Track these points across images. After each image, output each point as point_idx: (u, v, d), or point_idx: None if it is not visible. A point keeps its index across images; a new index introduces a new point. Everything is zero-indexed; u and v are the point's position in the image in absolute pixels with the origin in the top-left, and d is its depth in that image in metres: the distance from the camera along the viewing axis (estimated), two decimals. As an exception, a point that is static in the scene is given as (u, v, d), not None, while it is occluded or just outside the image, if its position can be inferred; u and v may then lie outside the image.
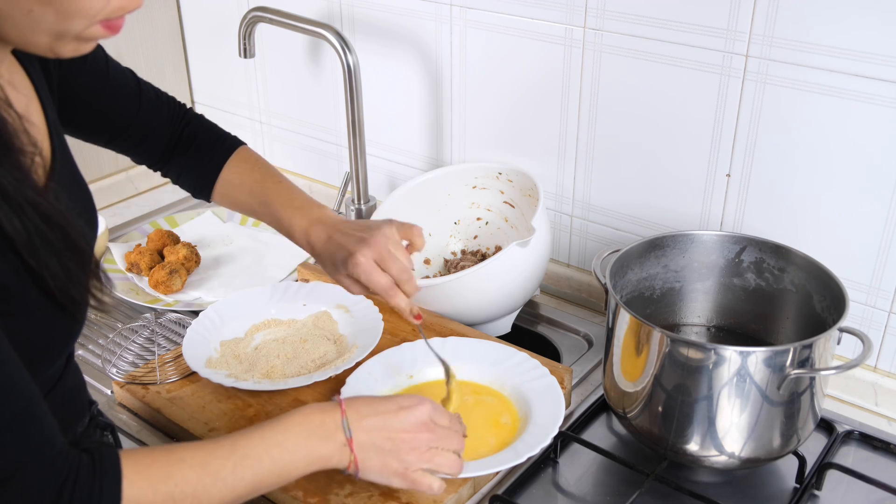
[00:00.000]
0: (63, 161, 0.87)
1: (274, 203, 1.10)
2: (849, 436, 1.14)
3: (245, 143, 1.17)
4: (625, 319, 1.03)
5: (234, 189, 1.14)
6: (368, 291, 1.03)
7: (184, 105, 1.16)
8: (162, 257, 1.52)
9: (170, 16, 1.85)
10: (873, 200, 1.13)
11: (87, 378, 1.24)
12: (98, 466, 0.75)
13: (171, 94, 1.16)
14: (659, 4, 1.20)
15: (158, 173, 1.17)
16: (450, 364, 1.08)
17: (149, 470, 0.77)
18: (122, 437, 1.15)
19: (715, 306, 1.20)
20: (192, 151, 1.14)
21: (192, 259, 1.50)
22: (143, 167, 1.85)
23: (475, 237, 1.50)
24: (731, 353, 0.95)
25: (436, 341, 1.23)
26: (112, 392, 1.24)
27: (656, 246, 1.16)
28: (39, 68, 0.89)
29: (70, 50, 0.75)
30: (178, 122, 1.14)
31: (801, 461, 1.06)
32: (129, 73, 1.09)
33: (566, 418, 1.17)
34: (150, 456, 0.79)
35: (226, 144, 1.15)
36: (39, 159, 0.76)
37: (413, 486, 0.92)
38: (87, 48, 0.76)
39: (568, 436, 1.11)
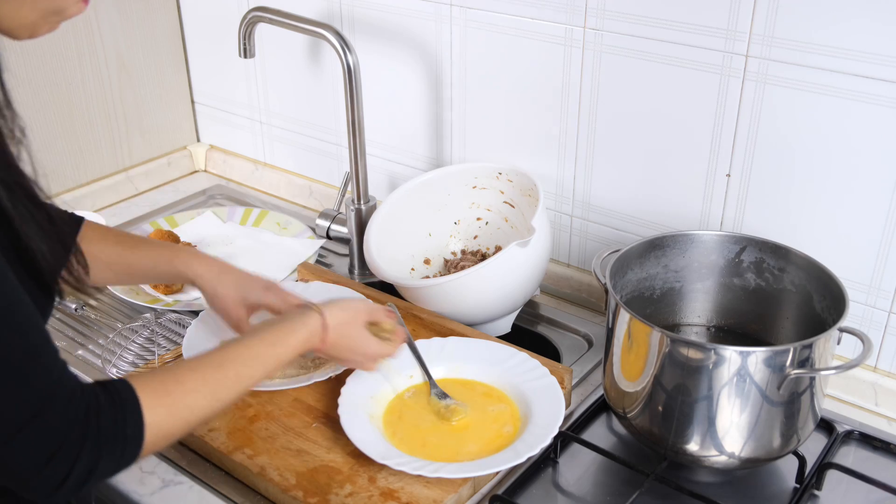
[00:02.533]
0: None
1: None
2: (849, 436, 1.14)
3: (84, 218, 1.12)
4: (625, 319, 1.03)
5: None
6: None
7: None
8: (162, 257, 1.52)
9: (170, 16, 1.85)
10: (873, 200, 1.13)
11: (87, 378, 1.24)
12: (116, 397, 0.78)
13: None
14: (659, 4, 1.20)
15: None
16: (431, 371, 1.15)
17: (166, 398, 0.81)
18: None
19: (715, 306, 1.20)
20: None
21: (192, 259, 1.50)
22: (145, 167, 1.87)
23: (475, 237, 1.50)
24: (731, 353, 0.95)
25: (436, 341, 1.23)
26: (112, 392, 1.24)
27: (656, 246, 1.16)
28: None
29: (47, 29, 0.78)
30: None
31: (801, 461, 1.06)
32: None
33: (566, 418, 1.17)
34: (162, 385, 0.82)
35: (69, 222, 1.10)
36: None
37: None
38: (57, 27, 0.80)
39: (568, 436, 1.11)
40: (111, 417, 0.77)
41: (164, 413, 0.80)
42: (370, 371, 1.12)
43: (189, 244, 1.52)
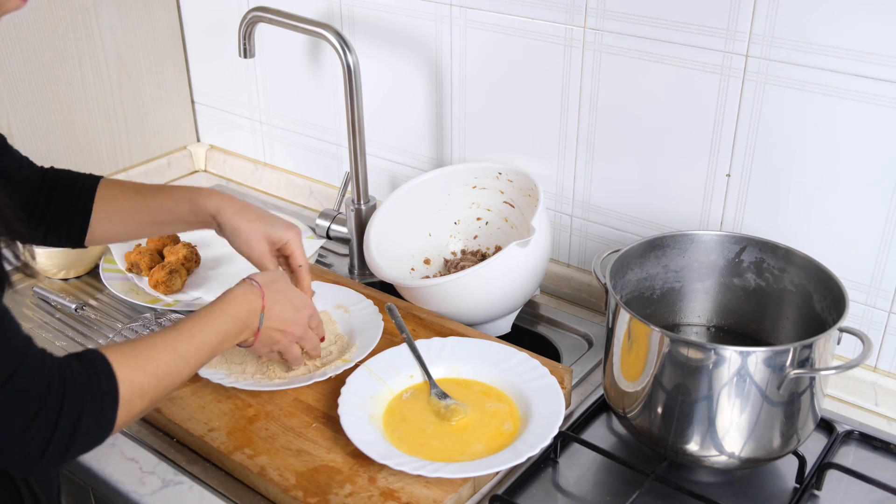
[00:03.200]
0: None
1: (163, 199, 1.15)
2: (849, 436, 1.14)
3: (102, 177, 1.16)
4: (625, 319, 1.03)
5: (115, 216, 1.14)
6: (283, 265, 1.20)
7: (41, 168, 1.15)
8: (162, 257, 1.52)
9: (170, 16, 1.85)
10: (873, 200, 1.13)
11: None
12: (85, 359, 0.82)
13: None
14: (659, 4, 1.20)
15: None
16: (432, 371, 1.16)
17: (131, 353, 0.86)
18: (122, 437, 1.15)
19: (715, 306, 1.20)
20: (54, 207, 1.13)
21: (192, 259, 1.50)
22: (145, 167, 1.87)
23: (475, 237, 1.50)
24: (731, 353, 0.95)
25: (436, 341, 1.23)
26: (112, 392, 1.24)
27: (656, 246, 1.16)
28: None
29: (14, 5, 0.79)
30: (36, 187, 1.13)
31: (801, 461, 1.06)
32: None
33: (566, 418, 1.17)
34: (128, 346, 0.87)
35: (86, 184, 1.14)
36: None
37: (275, 356, 1.14)
38: (24, 3, 0.80)
39: (568, 436, 1.11)
40: (84, 375, 0.80)
41: (132, 367, 0.85)
42: (297, 357, 1.15)
43: (189, 244, 1.52)
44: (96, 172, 1.82)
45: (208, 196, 1.15)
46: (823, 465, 1.06)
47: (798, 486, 1.06)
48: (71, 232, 1.14)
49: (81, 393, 0.79)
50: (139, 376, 0.85)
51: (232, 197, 1.17)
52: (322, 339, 1.20)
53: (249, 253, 1.16)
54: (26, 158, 1.14)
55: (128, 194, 1.15)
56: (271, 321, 1.07)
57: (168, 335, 0.92)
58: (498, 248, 1.48)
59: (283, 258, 1.20)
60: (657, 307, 1.20)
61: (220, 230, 1.17)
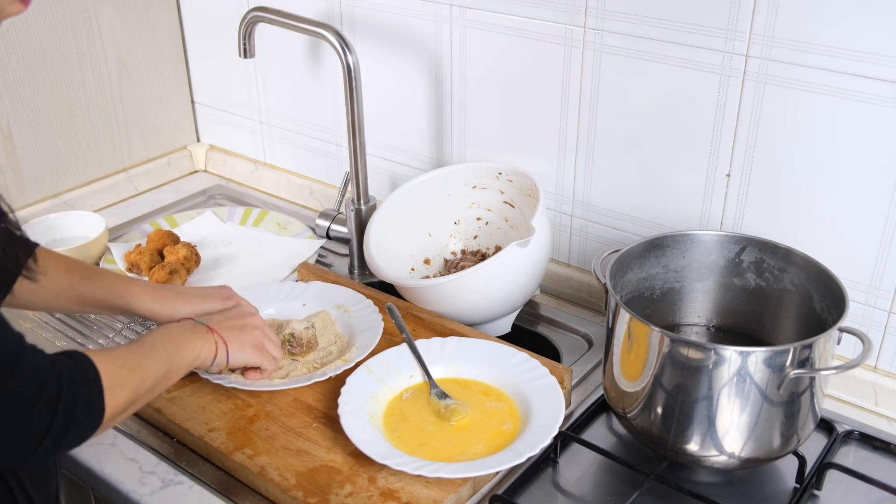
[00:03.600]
0: None
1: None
2: (849, 436, 1.14)
3: (38, 244, 1.10)
4: (625, 319, 1.03)
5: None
6: None
7: None
8: (162, 257, 1.52)
9: (170, 16, 1.85)
10: (873, 200, 1.13)
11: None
12: (67, 353, 0.87)
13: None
14: (659, 4, 1.20)
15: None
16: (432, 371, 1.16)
17: (99, 352, 0.91)
18: (122, 437, 1.15)
19: (715, 306, 1.20)
20: None
21: (192, 259, 1.50)
22: (145, 167, 1.87)
23: (475, 237, 1.50)
24: (731, 353, 0.95)
25: (436, 341, 1.23)
26: (112, 392, 1.24)
27: (656, 246, 1.16)
28: None
29: (16, 10, 0.81)
30: None
31: (801, 461, 1.06)
32: None
33: (566, 418, 1.17)
34: (112, 351, 0.94)
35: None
36: None
37: (264, 356, 1.16)
38: (25, 8, 0.82)
39: (568, 436, 1.11)
40: (73, 366, 0.85)
41: (104, 360, 0.89)
42: (269, 361, 1.17)
43: (189, 244, 1.52)
44: (96, 173, 1.83)
45: (139, 297, 1.15)
46: (823, 465, 1.06)
47: (798, 486, 1.06)
48: None
49: (75, 382, 0.84)
50: (113, 368, 0.90)
51: (163, 294, 1.16)
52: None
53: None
54: None
55: (61, 272, 1.12)
56: (219, 321, 1.12)
57: (122, 346, 0.98)
58: (498, 248, 1.48)
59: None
60: (657, 307, 1.20)
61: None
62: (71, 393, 0.83)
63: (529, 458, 1.07)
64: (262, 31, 1.68)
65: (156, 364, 0.98)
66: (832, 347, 0.99)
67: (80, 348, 0.92)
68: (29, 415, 0.79)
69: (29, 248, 1.03)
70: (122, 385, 0.90)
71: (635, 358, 1.03)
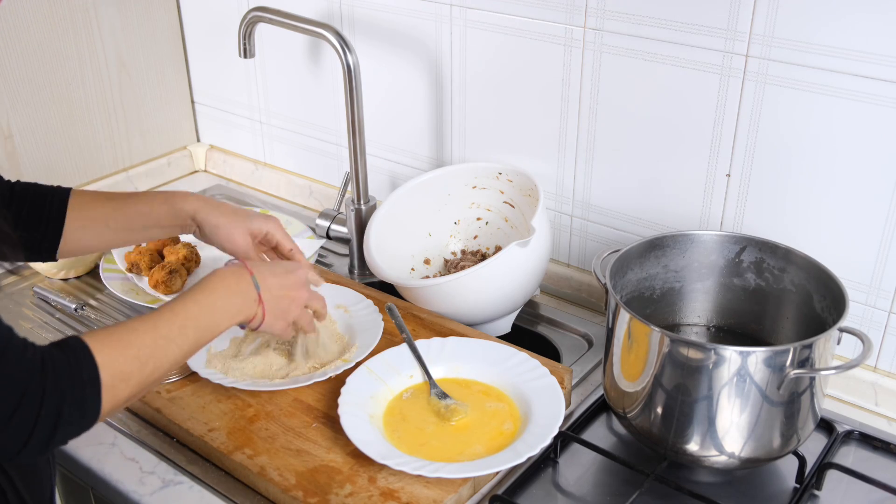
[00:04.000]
0: None
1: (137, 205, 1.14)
2: (849, 436, 1.14)
3: (71, 188, 1.14)
4: (625, 319, 1.03)
5: (88, 225, 1.12)
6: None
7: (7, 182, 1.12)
8: (162, 257, 1.52)
9: (170, 16, 1.85)
10: (873, 200, 1.13)
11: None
12: (66, 347, 0.82)
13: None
14: (659, 4, 1.20)
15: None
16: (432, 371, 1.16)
17: (110, 339, 0.85)
18: (122, 437, 1.15)
19: (715, 306, 1.20)
20: (24, 219, 1.10)
21: (192, 259, 1.50)
22: (145, 167, 1.87)
23: (475, 237, 1.50)
24: (731, 353, 0.95)
25: (436, 341, 1.23)
26: (112, 392, 1.24)
27: (656, 246, 1.16)
28: None
29: None
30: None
31: (801, 461, 1.06)
32: None
33: (566, 418, 1.17)
34: (107, 331, 0.86)
35: (57, 194, 1.12)
36: None
37: (286, 333, 1.10)
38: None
39: (568, 436, 1.11)
40: (65, 363, 0.80)
41: (113, 353, 0.84)
42: (304, 321, 1.13)
43: (189, 244, 1.53)
44: (96, 172, 1.83)
45: (185, 198, 1.14)
46: (823, 465, 1.06)
47: (798, 486, 1.06)
48: (43, 243, 1.11)
49: (62, 382, 0.79)
50: (121, 361, 0.84)
51: (207, 197, 1.16)
52: (324, 306, 1.17)
53: (233, 248, 1.16)
54: None
55: (101, 201, 1.14)
56: (271, 289, 1.04)
57: (149, 318, 0.90)
58: (498, 248, 1.48)
59: (272, 250, 1.21)
60: (657, 307, 1.20)
61: (200, 230, 1.16)
62: (56, 395, 0.79)
63: (529, 458, 1.07)
64: (262, 31, 1.68)
65: (176, 349, 0.91)
66: (832, 347, 0.99)
67: (93, 330, 0.87)
68: (11, 416, 0.76)
69: (64, 191, 1.10)
70: (126, 380, 0.85)
71: (635, 358, 1.03)
